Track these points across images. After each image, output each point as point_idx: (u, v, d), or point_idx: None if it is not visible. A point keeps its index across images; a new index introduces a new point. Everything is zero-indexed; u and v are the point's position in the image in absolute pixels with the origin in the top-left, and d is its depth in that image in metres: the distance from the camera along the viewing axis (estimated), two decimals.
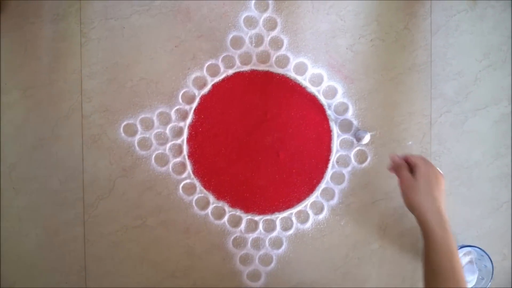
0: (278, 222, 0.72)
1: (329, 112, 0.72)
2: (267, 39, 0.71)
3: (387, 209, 0.73)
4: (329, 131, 0.72)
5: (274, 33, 0.71)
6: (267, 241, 0.72)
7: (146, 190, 0.71)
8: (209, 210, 0.72)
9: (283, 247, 0.73)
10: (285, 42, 0.71)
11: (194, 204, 0.72)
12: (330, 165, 0.72)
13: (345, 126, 0.72)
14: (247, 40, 0.71)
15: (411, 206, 0.59)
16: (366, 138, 0.69)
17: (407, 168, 0.61)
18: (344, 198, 0.72)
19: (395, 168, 0.62)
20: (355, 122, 0.72)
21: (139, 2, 0.70)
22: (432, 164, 0.60)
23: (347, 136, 0.72)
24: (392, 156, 0.63)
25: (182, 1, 0.70)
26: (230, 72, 0.71)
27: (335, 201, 0.72)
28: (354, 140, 0.72)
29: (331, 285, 0.73)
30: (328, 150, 0.72)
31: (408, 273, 0.73)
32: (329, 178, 0.72)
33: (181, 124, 0.71)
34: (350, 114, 0.72)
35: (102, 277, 0.72)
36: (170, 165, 0.71)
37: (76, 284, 0.72)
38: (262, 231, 0.72)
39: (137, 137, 0.71)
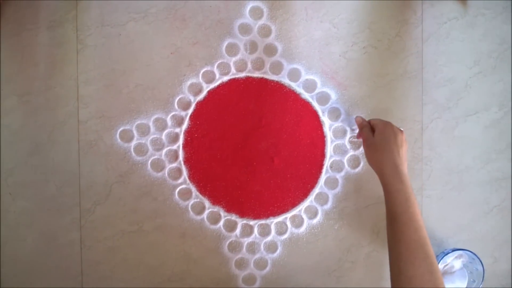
0: (273, 227, 0.73)
1: (322, 118, 0.73)
2: (261, 46, 0.72)
3: (380, 213, 0.74)
4: (322, 137, 0.73)
5: (268, 40, 0.72)
6: (262, 245, 0.73)
7: (142, 195, 0.72)
8: (204, 215, 0.73)
9: (278, 251, 0.74)
10: (279, 49, 0.72)
11: (190, 209, 0.72)
12: (324, 170, 0.73)
13: (339, 131, 0.73)
14: (242, 47, 0.72)
15: (371, 163, 0.63)
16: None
17: (369, 129, 0.65)
18: (338, 202, 0.74)
19: (359, 129, 0.67)
20: (347, 128, 0.73)
21: (135, 9, 0.71)
22: (390, 123, 0.64)
23: (340, 141, 0.73)
24: (357, 119, 0.68)
25: (177, 8, 0.71)
26: (225, 78, 0.72)
27: (329, 205, 0.74)
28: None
29: None
30: (322, 156, 0.73)
31: None
32: (323, 183, 0.73)
33: (177, 130, 0.72)
34: (342, 120, 0.73)
35: (99, 282, 0.73)
36: (166, 170, 0.72)
37: None
38: (257, 235, 0.73)
39: (133, 143, 0.72)
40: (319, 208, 0.73)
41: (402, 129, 0.64)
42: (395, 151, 0.60)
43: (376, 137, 0.62)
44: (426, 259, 0.53)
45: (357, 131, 0.72)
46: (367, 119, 0.68)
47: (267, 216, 0.73)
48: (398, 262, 0.54)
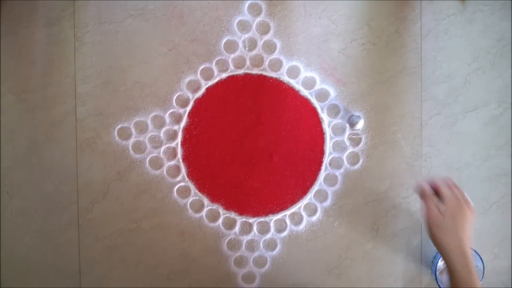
0: (272, 224, 0.73)
1: (321, 115, 0.73)
2: (260, 43, 0.72)
3: (379, 210, 0.74)
4: (322, 134, 0.73)
5: (267, 37, 0.72)
6: (261, 243, 0.73)
7: (141, 193, 0.72)
8: (203, 212, 0.72)
9: (277, 248, 0.73)
10: (278, 46, 0.72)
11: (188, 207, 0.72)
12: (323, 167, 0.73)
13: (338, 128, 0.73)
14: (240, 44, 0.72)
15: (436, 243, 0.58)
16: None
17: (434, 199, 0.59)
18: (337, 199, 0.73)
19: (422, 196, 0.61)
20: (347, 125, 0.73)
21: (133, 6, 0.71)
22: (460, 195, 0.59)
23: (339, 138, 0.73)
24: (420, 184, 0.62)
25: (175, 5, 0.71)
26: (224, 75, 0.72)
27: (328, 202, 0.73)
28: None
29: (325, 285, 0.73)
30: (321, 153, 0.73)
31: (400, 273, 0.74)
32: (322, 180, 0.73)
33: (175, 127, 0.72)
34: (342, 117, 0.73)
35: (97, 281, 0.72)
36: (165, 168, 0.72)
37: None
38: (256, 233, 0.73)
39: (131, 140, 0.72)
40: (319, 205, 0.73)
41: (472, 205, 0.59)
42: (464, 235, 0.57)
43: (445, 216, 0.57)
44: None
45: (357, 129, 0.72)
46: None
47: (266, 213, 0.73)
48: None
